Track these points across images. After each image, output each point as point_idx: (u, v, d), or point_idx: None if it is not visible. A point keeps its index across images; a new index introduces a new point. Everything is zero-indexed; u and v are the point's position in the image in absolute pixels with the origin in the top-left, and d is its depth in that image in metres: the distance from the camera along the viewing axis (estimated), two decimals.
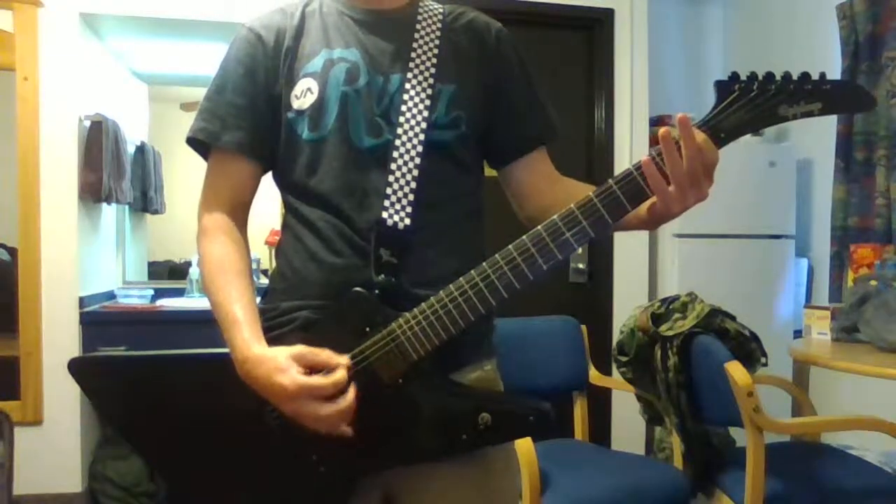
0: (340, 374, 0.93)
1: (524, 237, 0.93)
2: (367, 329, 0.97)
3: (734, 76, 0.90)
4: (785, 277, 3.40)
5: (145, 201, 3.57)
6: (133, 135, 3.47)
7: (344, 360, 0.95)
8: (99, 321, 2.87)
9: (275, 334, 1.03)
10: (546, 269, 0.92)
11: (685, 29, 4.04)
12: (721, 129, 0.90)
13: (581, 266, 3.43)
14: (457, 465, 1.00)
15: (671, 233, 3.29)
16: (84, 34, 2.98)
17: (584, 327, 2.60)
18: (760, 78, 0.89)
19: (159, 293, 3.26)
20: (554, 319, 2.61)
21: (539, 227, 0.93)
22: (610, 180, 0.91)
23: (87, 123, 3.00)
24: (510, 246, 0.93)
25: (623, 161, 3.41)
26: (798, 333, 3.07)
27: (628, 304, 2.96)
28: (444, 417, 0.97)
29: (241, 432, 1.00)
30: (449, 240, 1.06)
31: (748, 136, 0.92)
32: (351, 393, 0.93)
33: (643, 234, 3.37)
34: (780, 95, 0.89)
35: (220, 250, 1.06)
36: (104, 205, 3.20)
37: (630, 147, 3.42)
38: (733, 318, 2.09)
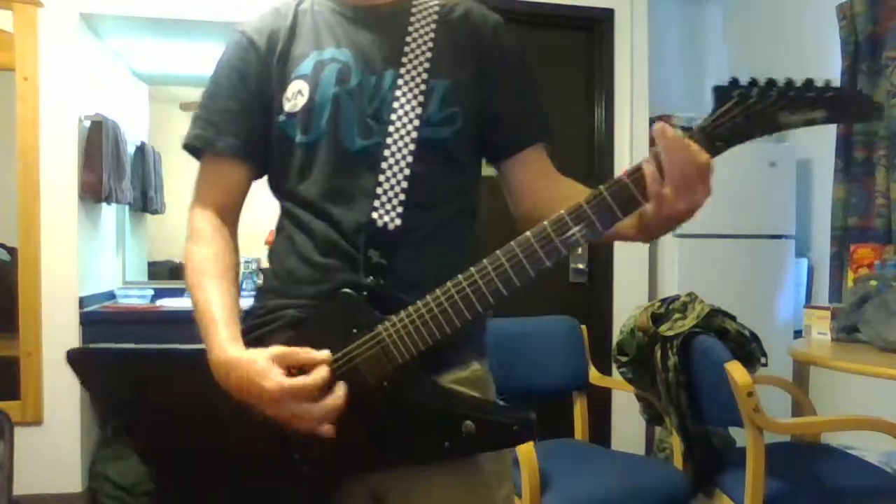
0: (323, 372, 0.91)
1: (512, 242, 0.91)
2: (354, 331, 0.96)
3: (734, 81, 0.86)
4: (785, 277, 3.40)
5: (145, 201, 3.58)
6: (133, 135, 3.47)
7: (324, 355, 0.93)
8: (99, 321, 2.88)
9: (260, 332, 1.02)
10: (534, 275, 0.90)
11: (685, 29, 4.03)
12: (717, 136, 0.86)
13: (581, 266, 3.43)
14: (445, 467, 0.99)
15: (671, 233, 3.29)
16: (84, 34, 2.98)
17: (584, 327, 2.60)
18: (761, 84, 0.85)
19: (159, 293, 3.26)
20: (554, 319, 2.61)
21: (528, 232, 0.90)
22: (601, 186, 0.89)
23: (87, 123, 3.00)
24: (498, 251, 0.91)
25: (623, 161, 3.41)
26: (798, 333, 3.07)
27: (628, 304, 2.96)
28: (428, 424, 0.95)
29: (227, 428, 1.00)
30: (441, 240, 1.04)
31: None
32: (340, 389, 0.92)
33: None
34: (781, 102, 0.85)
35: (205, 251, 1.05)
36: (104, 205, 3.21)
37: (630, 147, 3.42)
38: (733, 318, 2.09)
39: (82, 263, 2.93)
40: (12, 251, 2.94)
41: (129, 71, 3.67)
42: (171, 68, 3.75)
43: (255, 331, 1.02)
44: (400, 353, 0.94)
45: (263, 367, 0.91)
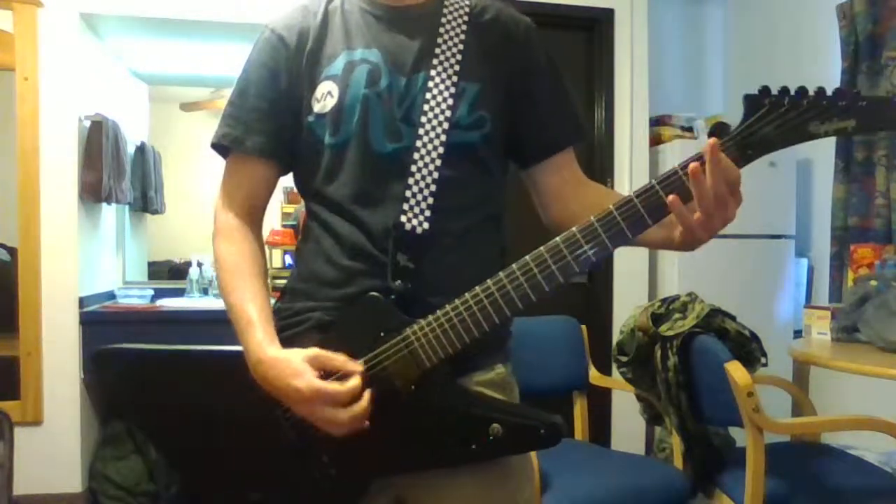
0: (355, 382, 0.92)
1: (541, 248, 0.91)
2: (382, 334, 0.96)
3: (765, 90, 0.85)
4: (785, 277, 3.40)
5: (145, 201, 3.57)
6: (133, 135, 3.47)
7: (359, 366, 0.94)
8: (99, 321, 2.87)
9: (288, 334, 1.03)
10: (563, 281, 0.90)
11: (685, 29, 4.03)
12: (748, 144, 0.86)
13: None
14: (473, 471, 0.99)
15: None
16: (84, 34, 2.98)
17: (584, 327, 2.60)
18: (792, 92, 0.85)
19: (159, 293, 3.26)
20: (554, 319, 2.61)
21: (557, 238, 0.91)
22: (631, 193, 0.89)
23: (87, 123, 3.00)
24: (527, 256, 0.91)
25: (623, 161, 3.41)
26: (798, 333, 3.06)
27: (628, 304, 2.96)
28: (455, 426, 0.96)
29: (255, 430, 1.01)
30: (468, 245, 1.04)
31: None
32: (366, 399, 0.92)
33: None
34: (812, 111, 0.84)
35: (235, 251, 1.06)
36: (104, 205, 3.21)
37: (630, 147, 3.42)
38: (733, 318, 2.09)
39: (82, 263, 2.93)
40: (12, 251, 2.94)
41: (129, 71, 3.66)
42: (171, 68, 3.75)
43: (282, 332, 1.02)
44: (428, 357, 0.94)
45: (298, 367, 0.93)
